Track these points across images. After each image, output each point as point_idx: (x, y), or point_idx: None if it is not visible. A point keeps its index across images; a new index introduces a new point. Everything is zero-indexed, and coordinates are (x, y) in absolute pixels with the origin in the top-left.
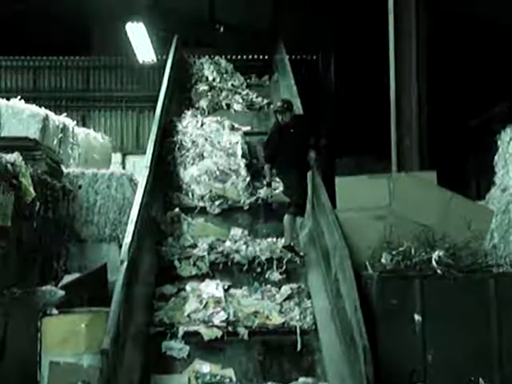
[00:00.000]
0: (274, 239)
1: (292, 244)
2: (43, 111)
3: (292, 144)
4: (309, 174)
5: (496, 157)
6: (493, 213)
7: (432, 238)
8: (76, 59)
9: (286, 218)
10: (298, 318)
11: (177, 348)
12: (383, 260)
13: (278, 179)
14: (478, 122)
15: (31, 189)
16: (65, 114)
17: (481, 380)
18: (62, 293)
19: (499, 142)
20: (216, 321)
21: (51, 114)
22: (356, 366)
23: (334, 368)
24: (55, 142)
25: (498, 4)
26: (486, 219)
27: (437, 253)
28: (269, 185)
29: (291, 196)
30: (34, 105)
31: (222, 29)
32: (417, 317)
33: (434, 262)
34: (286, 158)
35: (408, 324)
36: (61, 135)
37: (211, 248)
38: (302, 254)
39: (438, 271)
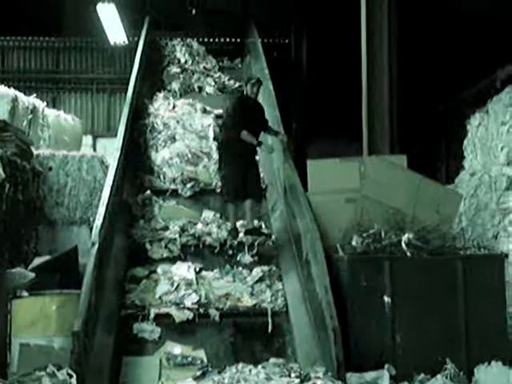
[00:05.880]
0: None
1: (255, 226)
2: (12, 92)
3: (251, 126)
4: (281, 156)
5: (465, 141)
6: (461, 197)
7: (402, 220)
8: (46, 40)
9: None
10: (269, 300)
11: (148, 330)
12: (354, 242)
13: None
14: (448, 107)
15: (1, 170)
16: (34, 96)
17: (448, 360)
18: (32, 275)
19: (468, 127)
20: (187, 303)
21: (20, 95)
22: (326, 347)
23: (305, 349)
24: (25, 123)
25: None
26: (454, 203)
27: (406, 235)
28: (259, 144)
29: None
30: (2, 86)
31: (194, 11)
32: (386, 298)
33: (403, 245)
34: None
35: (378, 305)
36: (30, 116)
37: (183, 230)
38: (266, 232)
39: (408, 253)
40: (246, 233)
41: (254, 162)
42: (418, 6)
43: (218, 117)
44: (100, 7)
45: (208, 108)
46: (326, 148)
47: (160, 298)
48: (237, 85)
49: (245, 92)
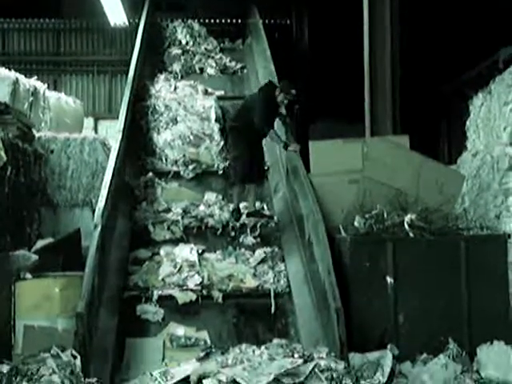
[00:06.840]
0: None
1: (258, 208)
2: (13, 74)
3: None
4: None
5: (468, 122)
6: (464, 177)
7: (404, 201)
8: (46, 22)
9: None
10: (271, 281)
11: (151, 311)
12: (356, 223)
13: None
14: (451, 87)
15: (2, 153)
16: (35, 78)
17: (450, 340)
18: (35, 257)
19: (471, 107)
20: (190, 284)
21: (21, 78)
22: (329, 328)
23: (308, 330)
24: (26, 105)
25: None
26: (457, 183)
27: (409, 216)
28: (286, 146)
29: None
30: (3, 68)
31: None
32: (389, 279)
33: (406, 225)
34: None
35: (380, 286)
36: (32, 99)
37: (185, 212)
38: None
39: (410, 234)
40: (249, 215)
41: (261, 145)
42: None
43: (219, 98)
44: None
45: (209, 89)
46: (329, 129)
47: (163, 279)
48: (238, 66)
49: (276, 93)
